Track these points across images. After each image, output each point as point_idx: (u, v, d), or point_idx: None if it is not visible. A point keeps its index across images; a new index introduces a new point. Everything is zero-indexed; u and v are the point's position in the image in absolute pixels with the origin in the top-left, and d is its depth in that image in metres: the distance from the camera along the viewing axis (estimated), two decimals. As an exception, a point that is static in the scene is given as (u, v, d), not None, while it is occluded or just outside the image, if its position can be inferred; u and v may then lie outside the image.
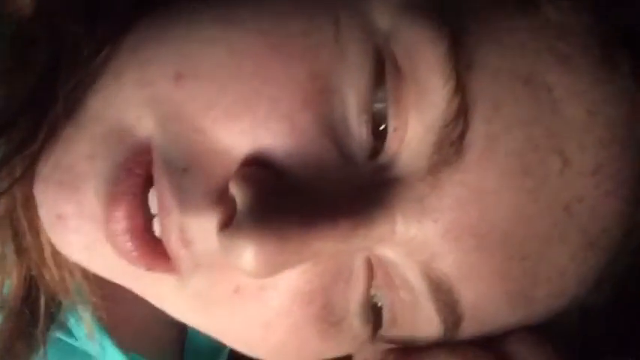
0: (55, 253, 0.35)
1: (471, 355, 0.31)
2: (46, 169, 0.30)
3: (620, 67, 0.29)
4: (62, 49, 0.30)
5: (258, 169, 0.27)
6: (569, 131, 0.28)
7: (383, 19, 0.28)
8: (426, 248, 0.28)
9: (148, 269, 0.29)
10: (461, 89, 0.26)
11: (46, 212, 0.31)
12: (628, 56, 0.30)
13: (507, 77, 0.27)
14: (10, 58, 0.31)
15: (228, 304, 0.30)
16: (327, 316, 0.30)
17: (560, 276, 0.30)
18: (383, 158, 0.28)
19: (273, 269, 0.26)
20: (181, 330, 0.47)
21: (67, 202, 0.30)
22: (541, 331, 0.33)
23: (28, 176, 0.31)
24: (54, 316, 0.37)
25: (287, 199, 0.27)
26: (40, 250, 0.34)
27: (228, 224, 0.27)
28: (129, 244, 0.28)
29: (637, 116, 0.30)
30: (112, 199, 0.29)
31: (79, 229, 0.30)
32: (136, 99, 0.29)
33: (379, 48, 0.27)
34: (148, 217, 0.29)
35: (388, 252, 0.28)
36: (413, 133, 0.27)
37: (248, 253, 0.26)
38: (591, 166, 0.28)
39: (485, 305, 0.29)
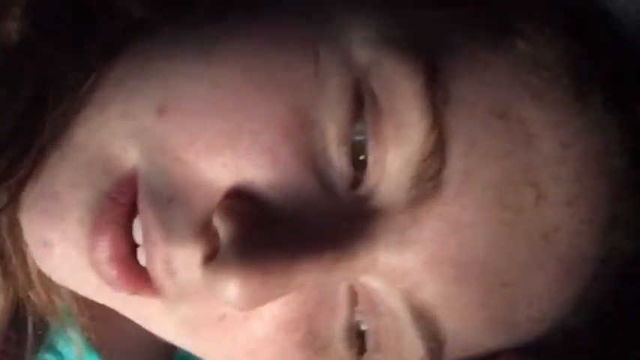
0: (42, 276, 0.35)
1: None
2: (31, 197, 0.31)
3: (592, 99, 0.30)
4: (49, 78, 0.31)
5: (241, 201, 0.28)
6: (543, 164, 0.28)
7: (362, 54, 0.28)
8: (407, 278, 0.28)
9: (133, 294, 0.30)
10: (438, 124, 0.27)
11: (32, 239, 0.31)
12: (599, 88, 0.30)
13: (483, 112, 0.28)
14: (1, 87, 0.32)
15: (214, 331, 0.30)
16: (313, 342, 0.30)
17: (540, 301, 0.30)
18: (363, 189, 0.28)
19: (256, 303, 0.27)
20: (170, 351, 0.48)
21: (52, 230, 0.30)
22: (525, 350, 0.34)
23: (13, 203, 0.31)
24: (42, 338, 0.38)
25: (270, 233, 0.27)
26: (27, 272, 0.35)
27: (212, 258, 0.27)
28: (114, 272, 0.29)
29: (609, 147, 0.30)
30: (96, 228, 0.29)
31: (65, 256, 0.30)
32: (121, 130, 0.29)
33: (358, 82, 0.28)
34: (132, 245, 0.29)
35: (371, 281, 0.29)
36: (392, 166, 0.27)
37: (232, 288, 0.26)
38: (565, 197, 0.29)
39: (467, 332, 0.30)
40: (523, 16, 0.30)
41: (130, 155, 0.29)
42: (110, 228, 0.29)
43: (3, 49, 0.32)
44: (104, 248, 0.29)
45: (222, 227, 0.27)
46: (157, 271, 0.29)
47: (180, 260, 0.28)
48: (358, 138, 0.28)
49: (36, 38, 0.31)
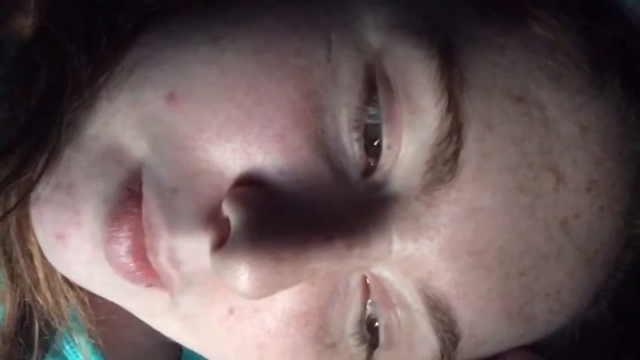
0: (49, 279, 0.34)
1: None
2: (45, 191, 0.30)
3: (610, 83, 0.30)
4: (62, 72, 0.30)
5: (252, 188, 0.27)
6: (562, 148, 0.28)
7: (374, 38, 0.28)
8: (422, 267, 0.28)
9: (149, 285, 0.29)
10: (453, 108, 0.26)
11: (44, 233, 0.30)
12: (618, 73, 0.30)
13: (500, 95, 0.27)
14: (14, 81, 0.31)
15: (222, 325, 0.29)
16: (323, 338, 0.29)
17: (558, 292, 0.29)
18: (377, 176, 0.28)
19: (268, 290, 0.26)
20: (177, 355, 0.47)
21: (66, 223, 0.29)
22: (539, 350, 0.33)
23: (23, 203, 0.31)
24: (48, 343, 0.37)
25: (281, 219, 0.27)
26: (34, 274, 0.34)
27: (221, 245, 0.27)
28: (132, 265, 0.28)
29: (629, 131, 0.30)
30: (113, 219, 0.28)
31: (79, 248, 0.30)
32: (131, 119, 0.29)
33: (370, 67, 0.28)
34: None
35: (384, 271, 0.28)
36: (406, 151, 0.27)
37: (242, 274, 0.25)
38: (585, 182, 0.28)
39: (483, 324, 0.29)
40: (537, 1, 0.30)
41: (139, 145, 0.29)
42: (128, 219, 0.28)
43: (16, 45, 0.32)
44: (122, 240, 0.28)
45: (232, 214, 0.27)
46: (161, 261, 0.28)
47: (186, 250, 0.28)
48: (372, 122, 0.27)
49: (49, 32, 0.31)
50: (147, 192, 0.28)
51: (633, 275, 0.33)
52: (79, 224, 0.29)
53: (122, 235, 0.28)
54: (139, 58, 0.30)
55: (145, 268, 0.29)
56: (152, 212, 0.28)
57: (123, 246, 0.28)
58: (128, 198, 0.28)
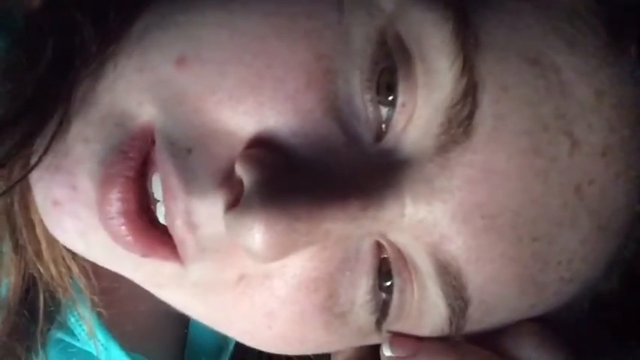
0: (52, 248, 0.34)
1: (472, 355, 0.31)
2: (45, 158, 0.30)
3: (626, 49, 0.29)
4: (71, 43, 0.30)
5: (264, 149, 0.27)
6: (577, 112, 0.27)
7: (387, 2, 0.27)
8: (434, 230, 0.27)
9: (143, 256, 0.29)
10: (468, 70, 0.26)
11: (42, 199, 0.30)
12: (634, 39, 0.30)
13: (515, 58, 0.27)
14: (22, 52, 0.31)
15: (232, 292, 0.29)
16: (333, 307, 0.29)
17: (571, 259, 0.29)
18: (389, 139, 0.28)
19: (281, 250, 0.26)
20: (183, 328, 0.47)
21: (62, 187, 0.29)
22: (548, 323, 0.33)
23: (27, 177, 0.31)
24: (53, 315, 0.37)
25: (295, 179, 0.27)
26: (37, 244, 0.34)
27: (235, 204, 0.27)
28: (123, 228, 0.28)
29: None
30: (105, 181, 0.28)
31: (75, 214, 0.29)
32: (137, 85, 0.29)
33: (383, 30, 0.27)
34: (146, 203, 0.29)
35: (396, 235, 0.28)
36: (420, 113, 0.27)
37: (256, 233, 0.25)
38: (600, 147, 0.28)
39: (494, 289, 0.29)
40: None
41: (146, 109, 0.28)
42: (120, 181, 0.28)
43: (25, 16, 0.31)
44: (113, 201, 0.28)
45: (245, 174, 0.27)
46: (178, 226, 0.28)
47: (202, 213, 0.28)
48: (387, 80, 0.27)
49: (58, 2, 0.31)
50: (161, 153, 0.28)
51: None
52: (74, 188, 0.29)
53: (114, 196, 0.28)
54: (146, 25, 0.30)
55: (139, 234, 0.28)
56: (168, 173, 0.28)
57: (114, 207, 0.28)
58: (122, 160, 0.28)
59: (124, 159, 0.28)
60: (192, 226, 0.28)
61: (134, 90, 0.29)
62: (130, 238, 0.28)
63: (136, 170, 0.28)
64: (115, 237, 0.29)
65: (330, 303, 0.29)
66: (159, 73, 0.28)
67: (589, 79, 0.28)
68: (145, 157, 0.29)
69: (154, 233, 0.29)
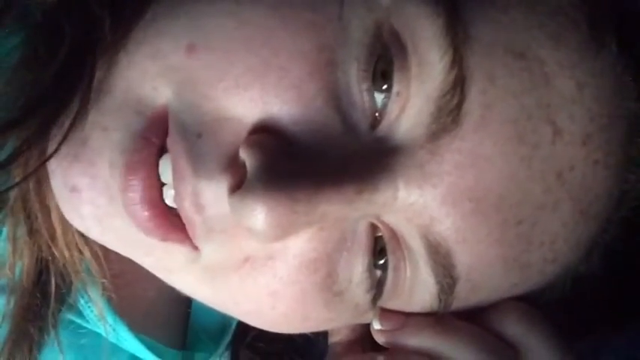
0: (66, 233, 0.36)
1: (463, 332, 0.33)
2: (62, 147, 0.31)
3: (607, 44, 0.31)
4: (88, 35, 0.31)
5: (267, 135, 0.29)
6: (560, 102, 0.29)
7: None
8: (425, 213, 0.29)
9: (163, 240, 0.31)
10: (458, 62, 0.28)
11: (59, 186, 0.31)
12: (615, 35, 0.31)
13: (502, 51, 0.29)
14: (40, 45, 0.32)
15: (238, 274, 0.31)
16: (332, 286, 0.31)
17: (553, 241, 0.31)
18: (384, 127, 0.29)
19: (282, 230, 0.28)
20: (186, 308, 0.48)
21: (81, 175, 0.31)
22: (532, 301, 0.34)
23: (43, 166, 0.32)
24: (65, 297, 0.38)
25: (295, 164, 0.28)
26: (52, 229, 0.35)
27: (239, 187, 0.28)
28: (145, 214, 0.30)
29: (624, 90, 0.31)
30: (129, 168, 0.30)
31: (93, 201, 0.31)
32: (151, 71, 0.30)
33: (380, 24, 0.29)
34: (161, 186, 0.30)
35: (390, 217, 0.30)
36: (413, 102, 0.29)
37: (258, 214, 0.27)
38: (581, 136, 0.30)
39: (481, 268, 0.31)
40: None
41: (161, 93, 0.30)
42: (144, 168, 0.30)
43: (42, 9, 0.33)
44: (137, 189, 0.30)
45: (248, 159, 0.28)
46: (186, 207, 0.29)
47: (208, 195, 0.29)
48: (383, 68, 0.29)
49: None
50: (174, 135, 0.29)
51: (625, 230, 0.34)
52: (94, 176, 0.30)
53: (138, 183, 0.30)
54: (156, 14, 0.31)
55: (159, 219, 0.30)
56: (179, 155, 0.29)
57: (138, 194, 0.30)
58: (145, 147, 0.30)
59: (146, 145, 0.30)
60: (199, 207, 0.29)
61: (148, 76, 0.30)
62: (151, 223, 0.30)
63: (156, 156, 0.30)
64: (138, 222, 0.30)
65: (329, 282, 0.31)
66: (170, 60, 0.29)
67: (571, 72, 0.29)
68: (162, 141, 0.30)
69: (170, 217, 0.30)
